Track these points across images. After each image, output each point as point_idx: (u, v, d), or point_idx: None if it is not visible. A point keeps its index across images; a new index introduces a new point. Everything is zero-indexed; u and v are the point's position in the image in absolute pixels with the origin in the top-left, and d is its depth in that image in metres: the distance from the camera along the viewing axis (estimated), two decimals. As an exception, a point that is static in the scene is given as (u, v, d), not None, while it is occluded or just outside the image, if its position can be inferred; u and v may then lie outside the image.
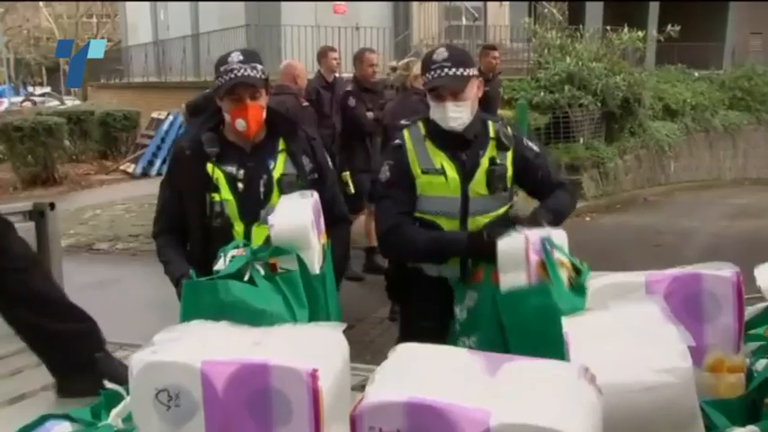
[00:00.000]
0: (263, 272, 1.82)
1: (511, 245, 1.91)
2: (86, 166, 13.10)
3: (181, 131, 6.16)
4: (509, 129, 2.45)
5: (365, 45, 11.97)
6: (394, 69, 5.82)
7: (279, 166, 2.35)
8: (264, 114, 2.36)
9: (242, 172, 2.31)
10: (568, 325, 1.42)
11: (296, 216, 1.88)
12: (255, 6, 13.37)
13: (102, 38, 24.83)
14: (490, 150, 2.39)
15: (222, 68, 2.31)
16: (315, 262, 1.87)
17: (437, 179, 2.34)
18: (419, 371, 1.14)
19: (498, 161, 2.38)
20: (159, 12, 18.17)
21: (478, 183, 2.36)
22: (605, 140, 11.14)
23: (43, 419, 1.52)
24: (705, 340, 1.54)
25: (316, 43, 10.86)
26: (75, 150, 13.49)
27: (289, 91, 5.27)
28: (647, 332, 1.37)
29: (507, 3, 15.05)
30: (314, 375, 1.14)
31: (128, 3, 20.16)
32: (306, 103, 5.23)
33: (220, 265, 1.83)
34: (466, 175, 2.35)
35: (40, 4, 29.18)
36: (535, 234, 1.91)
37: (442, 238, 2.32)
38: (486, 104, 7.33)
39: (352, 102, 5.64)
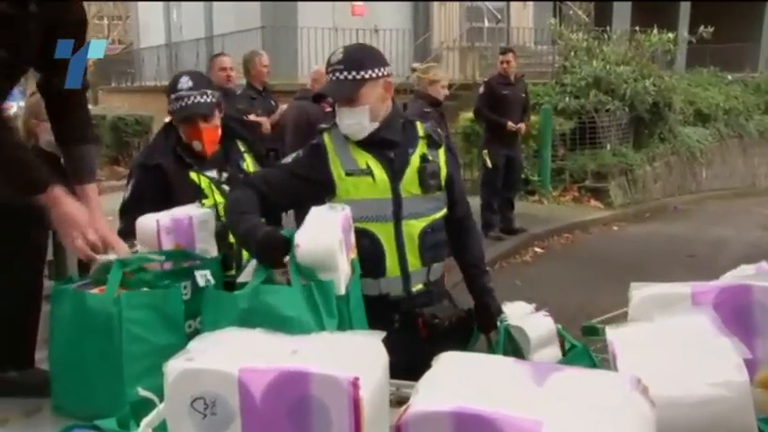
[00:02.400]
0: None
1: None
2: (98, 172, 12.88)
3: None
4: (438, 129, 2.34)
5: (384, 48, 11.82)
6: (414, 71, 5.61)
7: (249, 165, 2.57)
8: (219, 132, 2.53)
9: (224, 175, 2.49)
10: (613, 336, 1.40)
11: (324, 237, 1.77)
12: (272, 8, 13.20)
13: (114, 40, 24.76)
14: (420, 148, 2.25)
15: (173, 96, 2.46)
16: (341, 284, 1.79)
17: (364, 180, 2.17)
18: (465, 380, 1.12)
19: (430, 158, 2.24)
20: (172, 13, 18.06)
21: (410, 181, 2.20)
22: (633, 147, 10.95)
23: (68, 429, 1.52)
24: (756, 354, 1.49)
25: (333, 46, 10.60)
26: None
27: (302, 94, 5.13)
28: (699, 344, 1.34)
29: (531, 3, 14.77)
30: (355, 384, 1.13)
31: (140, 4, 20.04)
32: (329, 108, 4.96)
33: (247, 275, 1.83)
34: (395, 173, 2.19)
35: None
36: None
37: (251, 218, 2.00)
38: (508, 109, 6.91)
39: None
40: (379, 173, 2.18)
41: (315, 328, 1.63)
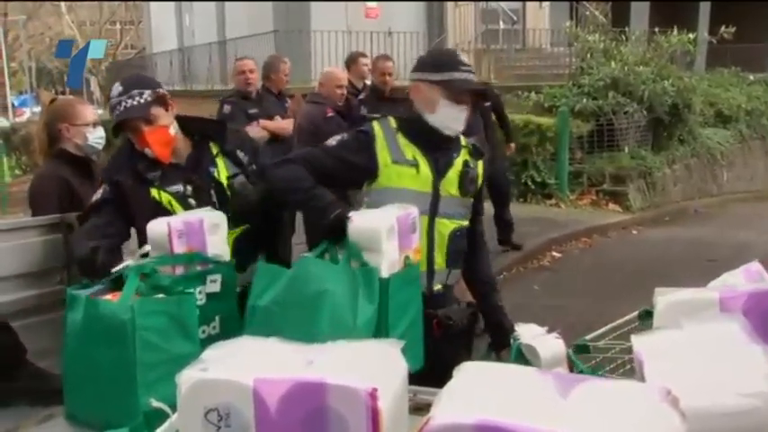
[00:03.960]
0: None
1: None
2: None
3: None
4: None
5: (398, 50, 11.77)
6: None
7: (221, 170, 2.35)
8: (171, 131, 2.32)
9: (189, 188, 2.30)
10: (639, 344, 1.37)
11: (375, 219, 1.91)
12: (284, 11, 13.21)
13: (126, 45, 24.92)
14: (464, 154, 2.37)
15: (110, 106, 2.32)
16: (382, 267, 1.85)
17: (408, 171, 2.26)
18: (487, 391, 1.09)
19: (471, 166, 2.36)
20: (184, 17, 18.15)
21: (450, 181, 2.30)
22: (652, 149, 10.81)
23: None
24: (788, 363, 1.45)
25: (347, 49, 10.62)
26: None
27: (318, 100, 5.18)
28: (729, 352, 1.30)
29: (547, 4, 14.65)
30: (373, 395, 1.10)
31: (153, 9, 20.13)
32: (331, 113, 4.90)
33: None
34: (439, 171, 2.29)
35: (63, 10, 29.46)
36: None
37: (323, 192, 2.14)
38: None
39: (363, 111, 5.47)
40: (424, 167, 2.27)
41: (348, 309, 1.73)
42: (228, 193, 2.32)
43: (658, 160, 10.62)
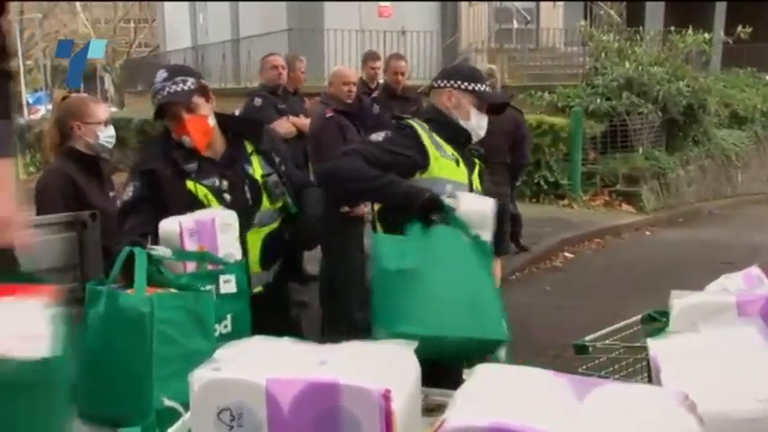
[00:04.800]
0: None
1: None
2: (125, 176, 12.94)
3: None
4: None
5: (411, 50, 11.75)
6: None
7: (256, 168, 2.38)
8: (210, 122, 2.34)
9: (225, 183, 2.32)
10: (656, 348, 1.36)
11: (482, 202, 2.27)
12: (298, 10, 13.21)
13: (140, 43, 25.02)
14: (473, 155, 2.61)
15: (152, 91, 2.34)
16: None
17: (450, 164, 2.43)
18: (502, 393, 1.09)
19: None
20: (198, 16, 18.20)
21: (476, 176, 2.54)
22: (666, 150, 10.74)
23: None
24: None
25: (360, 48, 10.61)
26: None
27: (324, 100, 5.14)
28: (748, 357, 1.29)
29: (561, 4, 14.57)
30: (386, 396, 1.09)
31: (166, 6, 20.20)
32: (329, 114, 4.87)
33: None
34: (470, 166, 2.53)
35: (78, 8, 29.61)
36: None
37: (397, 181, 2.30)
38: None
39: (375, 109, 5.47)
40: (461, 162, 2.47)
41: (467, 277, 2.00)
42: (263, 191, 2.35)
43: (672, 161, 10.55)
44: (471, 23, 13.88)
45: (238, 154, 2.38)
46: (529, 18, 13.97)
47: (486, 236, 2.15)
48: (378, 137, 2.40)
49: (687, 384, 1.16)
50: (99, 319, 1.74)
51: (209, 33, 17.31)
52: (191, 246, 1.96)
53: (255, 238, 2.30)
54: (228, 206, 2.26)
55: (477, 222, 2.15)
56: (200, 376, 1.19)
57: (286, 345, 1.33)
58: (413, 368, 1.25)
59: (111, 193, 3.06)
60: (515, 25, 13.91)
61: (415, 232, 2.08)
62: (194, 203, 2.22)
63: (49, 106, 24.04)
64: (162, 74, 2.33)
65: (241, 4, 15.67)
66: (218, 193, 2.29)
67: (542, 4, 14.68)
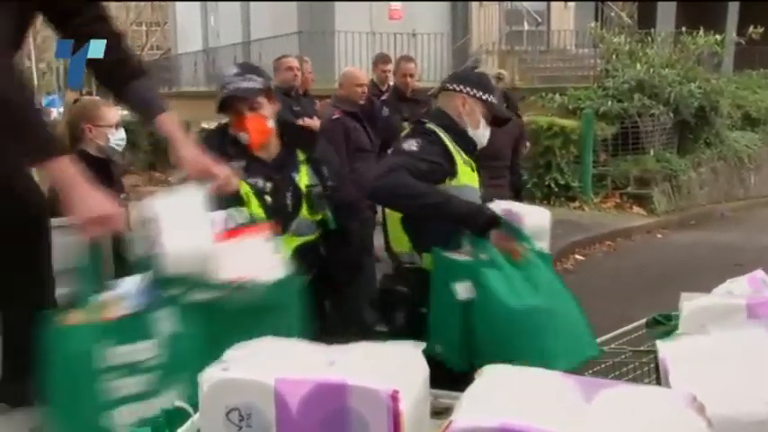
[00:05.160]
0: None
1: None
2: (135, 178, 13.06)
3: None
4: None
5: (422, 52, 11.75)
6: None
7: (303, 177, 2.39)
8: (269, 124, 2.37)
9: (269, 185, 2.33)
10: (665, 350, 1.36)
11: (541, 215, 2.37)
12: (308, 12, 13.23)
13: (152, 46, 25.09)
14: None
15: (220, 87, 2.39)
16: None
17: (469, 170, 2.46)
18: (510, 394, 1.08)
19: None
20: (209, 18, 18.26)
21: (481, 183, 2.55)
22: (678, 152, 10.67)
23: None
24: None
25: (371, 50, 10.61)
26: (123, 162, 13.41)
27: (335, 102, 5.18)
28: (757, 360, 1.28)
29: (572, 5, 14.51)
30: (395, 397, 1.10)
31: (178, 9, 20.27)
32: (337, 115, 4.88)
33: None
34: (478, 172, 2.55)
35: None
36: None
37: (453, 197, 2.31)
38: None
39: (384, 111, 5.49)
40: (474, 167, 2.52)
41: (565, 295, 2.09)
42: (305, 200, 2.36)
43: (684, 163, 10.48)
44: (482, 25, 13.84)
45: (289, 159, 2.40)
46: (540, 20, 13.94)
47: (546, 247, 2.22)
48: (410, 146, 2.37)
49: (696, 386, 1.15)
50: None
51: (220, 36, 17.37)
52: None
53: (287, 245, 2.24)
54: (267, 209, 2.27)
55: (538, 235, 2.20)
56: (210, 376, 1.19)
57: (295, 345, 1.33)
58: (421, 370, 1.25)
59: (122, 196, 3.08)
60: (526, 27, 13.88)
61: (481, 249, 2.12)
62: (235, 200, 2.21)
63: (61, 109, 24.18)
64: (233, 69, 2.40)
65: (252, 5, 15.71)
66: (259, 194, 2.30)
67: (553, 5, 14.63)
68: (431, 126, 2.44)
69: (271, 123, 2.37)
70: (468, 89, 2.49)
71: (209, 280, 1.63)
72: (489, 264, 2.10)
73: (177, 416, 1.38)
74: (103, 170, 2.91)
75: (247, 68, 2.41)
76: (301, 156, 2.42)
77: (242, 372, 1.19)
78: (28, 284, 1.84)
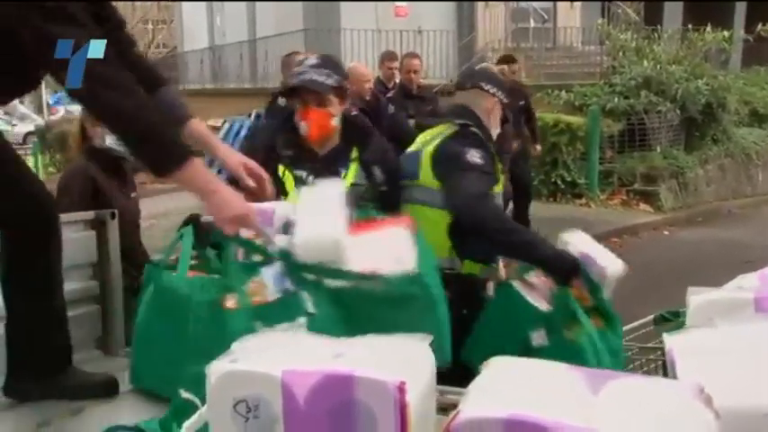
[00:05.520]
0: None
1: None
2: (141, 175, 13.06)
3: (240, 137, 6.03)
4: None
5: (428, 49, 11.73)
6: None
7: (350, 175, 2.34)
8: (333, 122, 2.34)
9: (311, 178, 2.28)
10: (672, 342, 1.36)
11: (615, 263, 2.24)
12: (314, 10, 13.22)
13: (158, 44, 25.13)
14: None
15: (295, 70, 2.39)
16: None
17: (500, 173, 2.47)
18: (517, 386, 1.09)
19: None
20: (215, 17, 18.27)
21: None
22: (685, 149, 10.61)
23: (112, 429, 1.53)
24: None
25: (376, 47, 10.61)
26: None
27: None
28: (764, 353, 1.29)
29: (578, 3, 14.45)
30: (401, 388, 1.10)
31: (184, 7, 20.30)
32: (355, 112, 4.87)
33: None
34: None
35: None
36: None
37: (543, 239, 2.32)
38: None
39: (390, 108, 5.44)
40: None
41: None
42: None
43: (691, 160, 10.43)
44: (488, 23, 13.81)
45: (342, 155, 2.36)
46: (546, 17, 13.90)
47: (609, 294, 2.16)
48: (474, 158, 2.31)
49: (703, 379, 1.15)
50: (149, 296, 1.82)
51: (226, 34, 17.39)
52: (246, 232, 1.92)
53: None
54: None
55: (608, 284, 2.15)
56: (217, 368, 1.20)
57: (303, 338, 1.34)
58: (428, 363, 1.25)
59: (133, 194, 3.09)
60: (532, 24, 13.85)
61: (562, 300, 2.11)
62: (280, 189, 2.22)
63: (69, 107, 24.29)
64: (313, 60, 2.39)
65: (258, 4, 15.72)
66: (301, 185, 2.25)
67: (559, 2, 14.59)
68: (474, 130, 2.40)
69: (335, 122, 2.34)
70: (500, 94, 2.51)
71: (341, 268, 1.66)
72: (568, 319, 2.08)
73: (185, 408, 1.39)
74: (114, 166, 2.93)
75: (327, 63, 2.36)
76: (355, 153, 2.38)
77: (249, 364, 1.19)
78: (38, 283, 1.85)
